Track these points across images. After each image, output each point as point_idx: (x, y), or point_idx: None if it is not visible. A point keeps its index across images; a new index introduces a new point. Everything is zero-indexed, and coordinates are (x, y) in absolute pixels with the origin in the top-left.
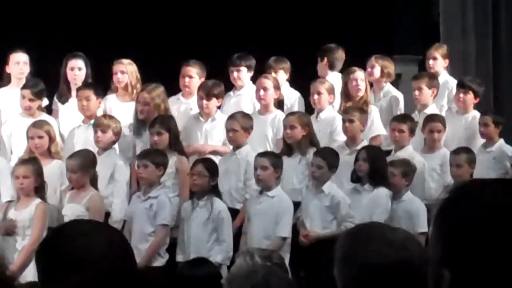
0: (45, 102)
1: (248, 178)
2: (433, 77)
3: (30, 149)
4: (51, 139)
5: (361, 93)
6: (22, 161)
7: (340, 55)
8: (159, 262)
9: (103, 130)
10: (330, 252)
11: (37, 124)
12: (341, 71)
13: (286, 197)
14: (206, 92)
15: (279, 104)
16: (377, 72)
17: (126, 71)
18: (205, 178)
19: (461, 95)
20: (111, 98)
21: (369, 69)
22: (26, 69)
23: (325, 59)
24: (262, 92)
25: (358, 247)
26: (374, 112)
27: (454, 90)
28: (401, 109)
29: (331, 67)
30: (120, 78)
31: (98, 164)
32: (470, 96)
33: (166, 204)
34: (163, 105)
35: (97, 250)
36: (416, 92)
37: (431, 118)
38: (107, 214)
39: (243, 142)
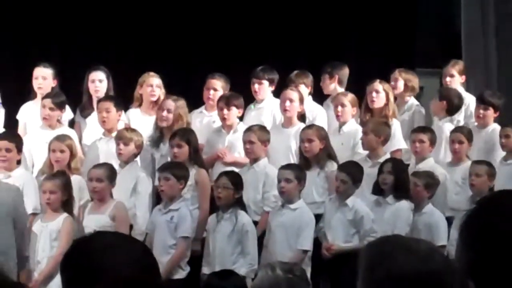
0: (69, 115)
1: (266, 191)
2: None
3: (49, 162)
4: (72, 155)
5: (376, 105)
6: (50, 176)
7: (346, 72)
8: (180, 274)
9: (125, 143)
10: (352, 264)
11: (60, 138)
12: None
13: (308, 210)
14: (226, 102)
15: (301, 117)
16: (400, 85)
17: (159, 84)
18: (230, 191)
19: (481, 111)
20: (134, 112)
21: (392, 83)
22: (46, 84)
23: (336, 76)
24: (288, 103)
25: (382, 257)
26: (395, 126)
27: (471, 106)
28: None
29: (340, 84)
30: (154, 91)
31: (121, 176)
32: (490, 112)
33: (187, 217)
34: (185, 118)
35: (122, 263)
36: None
37: (455, 129)
38: (130, 227)
39: (260, 154)
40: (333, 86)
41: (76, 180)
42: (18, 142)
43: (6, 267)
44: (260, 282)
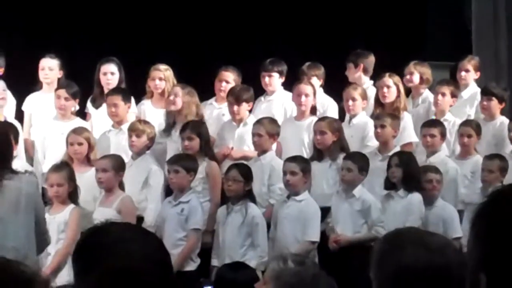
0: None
1: (272, 183)
2: (458, 86)
3: (68, 155)
4: (90, 147)
5: (388, 100)
6: (55, 169)
7: (372, 60)
8: (191, 266)
9: (138, 135)
10: (361, 257)
11: (77, 131)
12: (371, 77)
13: (314, 202)
14: (236, 97)
15: (313, 110)
16: (416, 78)
17: (163, 77)
18: (240, 183)
19: (485, 102)
20: (145, 103)
21: (408, 76)
22: (53, 75)
23: (361, 65)
24: (303, 98)
25: (395, 249)
26: (406, 119)
27: None
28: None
29: (365, 72)
30: (157, 84)
31: (133, 169)
32: (494, 102)
33: (198, 209)
34: (195, 104)
35: (135, 256)
36: (439, 97)
37: (464, 123)
38: (140, 219)
39: (268, 147)
40: (358, 75)
41: None
42: (15, 133)
43: (28, 259)
44: (274, 272)
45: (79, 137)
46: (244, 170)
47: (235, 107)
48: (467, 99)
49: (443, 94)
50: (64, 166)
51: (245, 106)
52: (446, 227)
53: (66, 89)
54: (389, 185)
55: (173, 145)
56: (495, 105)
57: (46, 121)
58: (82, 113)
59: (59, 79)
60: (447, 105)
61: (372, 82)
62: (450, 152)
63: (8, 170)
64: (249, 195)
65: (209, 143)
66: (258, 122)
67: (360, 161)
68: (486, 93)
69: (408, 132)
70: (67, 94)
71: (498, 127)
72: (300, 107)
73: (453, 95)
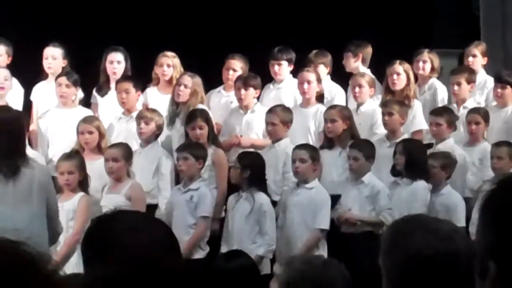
0: (80, 94)
1: (286, 171)
2: (472, 71)
3: (80, 145)
4: (101, 135)
5: (398, 87)
6: (66, 157)
7: (370, 51)
8: (200, 254)
9: (146, 122)
10: (370, 244)
11: (87, 120)
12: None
13: (324, 190)
14: (243, 82)
15: (320, 97)
16: (428, 67)
17: (172, 64)
18: (244, 171)
19: (499, 90)
20: (151, 90)
21: (420, 63)
22: (56, 64)
23: (360, 55)
24: (306, 86)
25: (403, 236)
26: (416, 107)
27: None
28: (442, 100)
29: (363, 62)
30: (166, 71)
31: (142, 157)
32: (508, 90)
33: (207, 196)
34: (200, 95)
35: (143, 244)
36: (455, 87)
37: (471, 110)
38: (151, 206)
39: (282, 135)
40: (356, 65)
41: None
42: (27, 121)
43: (38, 245)
44: (290, 262)
45: (89, 126)
46: (253, 158)
47: (242, 91)
48: (476, 86)
49: (459, 84)
50: (75, 155)
51: (252, 92)
52: (450, 216)
53: (66, 77)
54: (396, 172)
55: (177, 134)
56: (509, 93)
57: (48, 110)
58: (88, 103)
59: (63, 68)
60: (465, 93)
61: (369, 71)
62: (467, 138)
63: (23, 157)
64: (258, 183)
65: (214, 130)
66: (271, 110)
67: (366, 149)
68: (500, 80)
69: (418, 119)
70: (67, 81)
71: (509, 115)
72: (304, 95)
73: (469, 82)
